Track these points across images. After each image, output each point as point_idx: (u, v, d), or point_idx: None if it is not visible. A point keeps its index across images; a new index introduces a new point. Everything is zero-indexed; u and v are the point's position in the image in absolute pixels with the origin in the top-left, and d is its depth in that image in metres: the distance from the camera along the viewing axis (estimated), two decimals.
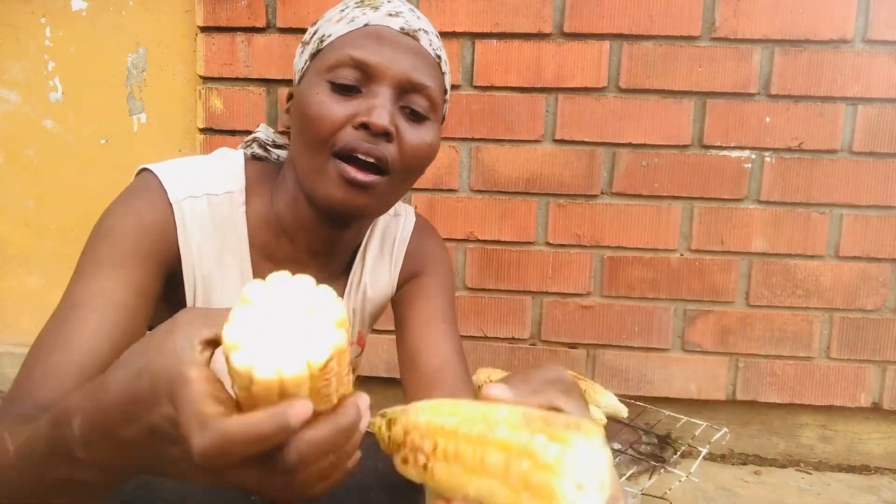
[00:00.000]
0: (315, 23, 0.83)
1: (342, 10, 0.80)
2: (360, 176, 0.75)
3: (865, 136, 1.63)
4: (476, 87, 1.68)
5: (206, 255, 0.81)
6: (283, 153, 0.93)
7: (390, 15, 0.78)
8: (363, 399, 0.46)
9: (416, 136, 0.78)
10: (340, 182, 0.75)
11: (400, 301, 0.98)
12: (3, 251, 1.97)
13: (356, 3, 0.80)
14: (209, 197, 0.80)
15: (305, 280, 0.44)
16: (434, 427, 0.45)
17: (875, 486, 1.69)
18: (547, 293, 1.74)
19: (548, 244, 1.72)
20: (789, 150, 1.65)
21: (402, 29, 0.78)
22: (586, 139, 1.67)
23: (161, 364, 0.44)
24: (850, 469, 1.76)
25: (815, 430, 1.77)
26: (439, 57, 0.82)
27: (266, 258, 0.86)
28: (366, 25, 0.77)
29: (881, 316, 1.69)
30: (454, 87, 1.68)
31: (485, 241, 1.73)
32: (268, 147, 0.93)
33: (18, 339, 2.00)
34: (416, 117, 0.78)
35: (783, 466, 1.77)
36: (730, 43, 1.62)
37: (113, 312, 0.71)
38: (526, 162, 1.69)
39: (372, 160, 0.75)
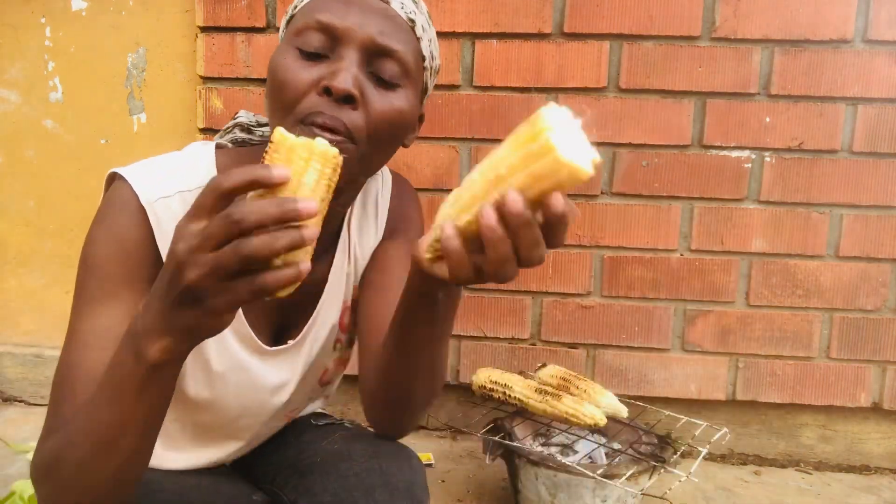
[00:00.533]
0: None
1: None
2: (327, 136, 0.73)
3: (865, 136, 1.63)
4: (476, 87, 1.68)
5: None
6: (267, 130, 0.92)
7: None
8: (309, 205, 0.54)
9: (384, 101, 0.77)
10: None
11: (370, 260, 0.98)
12: (3, 251, 1.97)
13: None
14: (181, 194, 0.79)
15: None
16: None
17: (875, 486, 1.69)
18: (547, 293, 1.74)
19: None
20: (789, 150, 1.65)
21: None
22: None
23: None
24: (850, 469, 1.76)
25: (815, 430, 1.77)
26: (413, 21, 0.79)
27: None
28: None
29: (881, 316, 1.69)
30: (454, 86, 1.68)
31: None
32: (251, 128, 0.92)
33: (18, 339, 2.00)
34: (385, 83, 0.77)
35: (783, 466, 1.77)
36: (730, 43, 1.62)
37: None
38: None
39: (334, 129, 0.74)
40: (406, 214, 1.01)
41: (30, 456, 1.15)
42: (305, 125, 0.74)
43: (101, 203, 0.79)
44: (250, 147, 0.90)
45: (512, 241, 0.53)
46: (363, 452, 0.89)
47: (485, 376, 1.48)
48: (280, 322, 0.93)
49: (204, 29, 1.71)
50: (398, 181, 1.03)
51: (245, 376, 0.88)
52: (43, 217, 1.94)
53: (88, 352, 0.73)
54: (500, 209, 0.52)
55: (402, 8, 0.79)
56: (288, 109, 0.75)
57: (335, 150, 0.59)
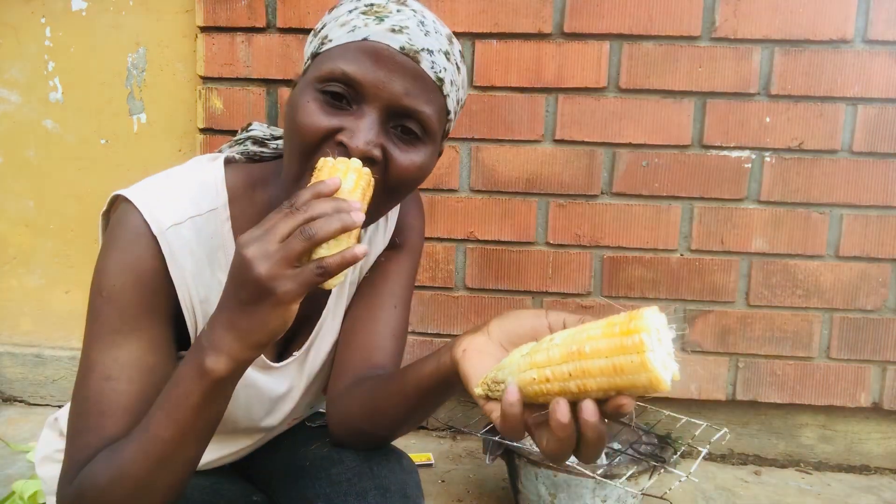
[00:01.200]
0: (331, 10, 0.79)
1: (350, 12, 0.76)
2: None
3: (865, 136, 1.63)
4: (476, 87, 1.68)
5: (199, 279, 0.79)
6: (282, 143, 0.89)
7: (393, 31, 0.73)
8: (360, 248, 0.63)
9: (405, 158, 0.75)
10: None
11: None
12: (3, 251, 1.97)
13: (365, 6, 0.76)
14: (193, 220, 0.78)
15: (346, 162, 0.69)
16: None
17: (875, 486, 1.69)
18: (547, 293, 1.74)
19: (548, 244, 1.72)
20: (789, 150, 1.65)
21: (402, 49, 0.72)
22: (586, 139, 1.67)
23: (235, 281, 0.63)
24: (850, 469, 1.76)
25: (815, 430, 1.77)
26: (441, 80, 0.76)
27: None
28: (364, 40, 0.73)
29: (881, 316, 1.69)
30: None
31: (485, 241, 1.73)
32: (265, 141, 0.90)
33: (18, 339, 2.00)
34: (407, 139, 0.76)
35: (783, 466, 1.77)
36: (730, 43, 1.62)
37: (149, 378, 0.74)
38: (526, 162, 1.69)
39: None
40: (409, 223, 1.01)
41: (30, 456, 1.15)
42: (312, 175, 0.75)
43: (111, 228, 0.77)
44: (262, 163, 0.88)
45: (578, 438, 0.55)
46: (354, 456, 0.89)
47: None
48: (286, 335, 0.92)
49: (204, 29, 1.71)
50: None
51: (253, 391, 0.88)
52: (43, 217, 1.94)
53: (113, 383, 0.73)
54: (578, 413, 0.53)
55: (432, 67, 0.75)
56: (305, 153, 0.74)
57: (368, 170, 0.70)
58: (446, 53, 0.77)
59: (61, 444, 0.98)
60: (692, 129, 1.66)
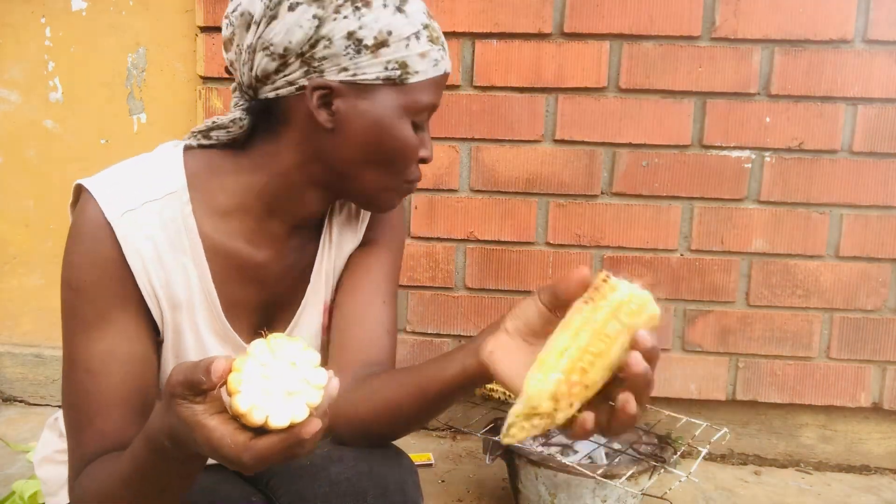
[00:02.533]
0: (372, 15, 0.76)
1: (418, 39, 0.78)
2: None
3: (865, 136, 1.63)
4: (476, 87, 1.68)
5: (159, 263, 0.80)
6: (221, 134, 0.85)
7: (449, 57, 0.85)
8: (332, 386, 0.59)
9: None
10: (403, 195, 0.89)
11: (347, 266, 0.97)
12: (3, 251, 1.97)
13: (427, 36, 0.79)
14: (149, 205, 0.79)
15: (296, 343, 0.57)
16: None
17: (875, 486, 1.69)
18: None
19: (548, 244, 1.72)
20: (789, 150, 1.65)
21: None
22: (586, 139, 1.67)
23: (185, 432, 0.59)
24: (850, 469, 1.76)
25: (815, 430, 1.78)
26: None
27: (223, 248, 0.84)
28: (445, 73, 0.83)
29: (881, 316, 1.69)
30: (454, 86, 1.68)
31: (485, 241, 1.73)
32: (209, 133, 0.87)
33: (18, 339, 2.00)
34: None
35: (783, 466, 1.77)
36: (730, 43, 1.62)
37: (128, 367, 0.77)
38: (526, 162, 1.69)
39: None
40: (389, 222, 1.00)
41: (30, 456, 1.15)
42: (406, 184, 0.86)
43: (73, 220, 0.79)
44: (222, 150, 0.86)
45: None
46: (353, 455, 0.89)
47: None
48: (262, 323, 0.92)
49: (204, 29, 1.71)
50: None
51: None
52: (43, 217, 1.94)
53: (96, 378, 0.76)
54: (643, 351, 0.58)
55: None
56: (400, 173, 0.84)
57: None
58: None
59: (61, 444, 0.98)
60: (692, 129, 1.66)
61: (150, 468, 0.67)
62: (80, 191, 0.81)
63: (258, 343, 0.56)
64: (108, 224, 0.77)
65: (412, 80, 0.79)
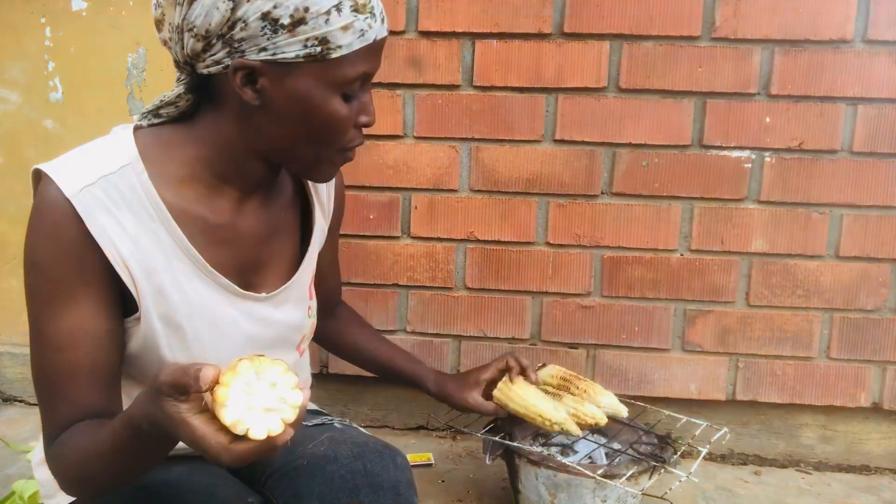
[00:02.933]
0: (297, 4, 0.77)
1: (339, 12, 0.77)
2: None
3: (865, 136, 1.63)
4: (476, 87, 1.68)
5: (124, 233, 0.81)
6: (170, 111, 0.88)
7: (384, 21, 0.84)
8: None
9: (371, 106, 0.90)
10: (339, 164, 0.90)
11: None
12: (3, 251, 1.97)
13: (351, 6, 0.78)
14: (105, 178, 0.81)
15: (278, 367, 0.65)
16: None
17: (875, 486, 1.69)
18: (547, 293, 1.74)
19: (548, 244, 1.72)
20: (789, 150, 1.65)
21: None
22: (586, 139, 1.67)
23: (168, 424, 0.64)
24: (850, 469, 1.76)
25: (815, 430, 1.78)
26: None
27: (188, 214, 0.86)
28: (375, 41, 0.82)
29: (881, 316, 1.69)
30: (454, 86, 1.68)
31: (485, 241, 1.73)
32: (158, 111, 0.90)
33: (18, 339, 2.00)
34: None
35: (783, 466, 1.77)
36: (730, 43, 1.62)
37: (94, 341, 0.81)
38: (526, 162, 1.69)
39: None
40: (341, 206, 1.15)
41: (30, 456, 1.15)
42: (345, 152, 0.88)
43: (33, 203, 0.81)
44: (170, 125, 0.88)
45: None
46: (349, 454, 0.91)
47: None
48: (246, 283, 0.94)
49: None
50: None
51: (214, 318, 0.89)
52: None
53: (63, 353, 0.80)
54: None
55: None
56: (333, 144, 0.85)
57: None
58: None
59: None
60: (692, 129, 1.66)
61: (127, 445, 0.72)
62: (38, 177, 0.83)
63: (244, 363, 0.63)
64: (68, 201, 0.78)
65: (335, 54, 0.79)
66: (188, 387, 0.61)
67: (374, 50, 0.83)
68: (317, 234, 1.04)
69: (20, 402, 1.98)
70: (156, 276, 0.84)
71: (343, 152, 0.87)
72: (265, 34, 0.77)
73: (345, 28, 0.78)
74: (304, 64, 0.79)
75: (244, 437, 0.61)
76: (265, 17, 0.77)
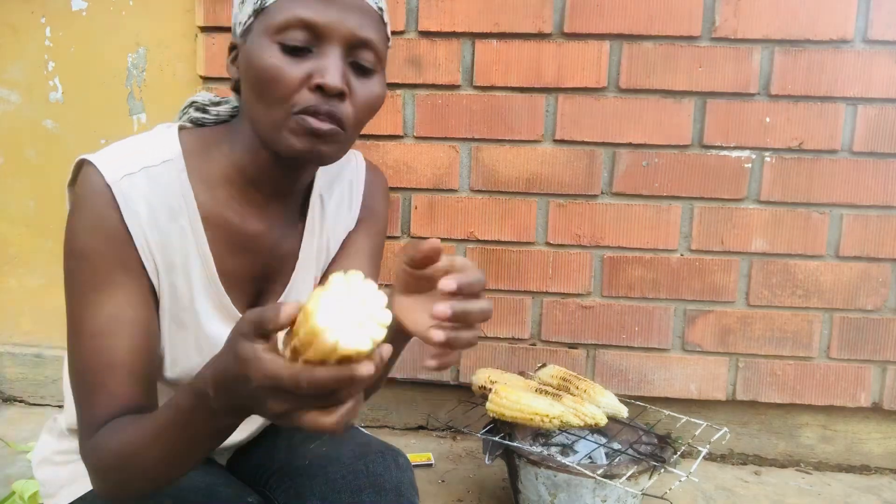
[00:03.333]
0: None
1: None
2: (323, 125, 0.78)
3: (865, 136, 1.63)
4: (476, 87, 1.68)
5: (155, 226, 0.82)
6: (221, 109, 0.93)
7: None
8: (385, 349, 0.60)
9: (366, 90, 0.81)
10: (303, 133, 0.78)
11: (342, 245, 1.02)
12: (3, 251, 1.97)
13: None
14: (146, 170, 0.81)
15: (370, 284, 0.59)
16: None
17: (875, 486, 1.69)
18: (547, 293, 1.74)
19: (548, 244, 1.72)
20: (789, 150, 1.65)
21: None
22: (586, 139, 1.67)
23: (236, 374, 0.60)
24: (850, 469, 1.76)
25: (815, 430, 1.78)
26: (381, 9, 0.84)
27: (217, 217, 0.87)
28: None
29: (881, 316, 1.69)
30: (454, 86, 1.68)
31: (485, 241, 1.73)
32: (206, 108, 0.94)
33: (18, 339, 2.00)
34: (364, 71, 0.81)
35: (783, 466, 1.77)
36: (730, 43, 1.62)
37: (134, 330, 0.79)
38: (526, 162, 1.69)
39: (332, 116, 0.79)
40: (374, 207, 1.04)
41: (30, 456, 1.16)
42: (300, 116, 0.78)
43: (76, 192, 0.81)
44: (213, 127, 0.91)
45: None
46: (350, 454, 0.91)
47: (485, 376, 1.48)
48: (255, 295, 0.94)
49: (204, 29, 1.71)
50: (373, 171, 1.05)
51: (207, 332, 0.89)
52: (43, 217, 1.94)
53: (103, 340, 0.77)
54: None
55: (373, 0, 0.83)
56: (279, 103, 0.78)
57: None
58: None
59: (59, 446, 0.98)
60: (692, 129, 1.66)
61: (186, 420, 0.67)
62: (79, 167, 0.83)
63: (337, 276, 0.59)
64: (108, 187, 0.78)
65: (270, 2, 0.79)
66: (268, 322, 0.58)
67: None
68: (304, 260, 0.98)
69: (20, 402, 1.98)
70: (173, 274, 0.84)
71: (298, 116, 0.78)
72: (239, 10, 0.83)
73: None
74: (253, 23, 0.81)
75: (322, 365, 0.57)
76: None
